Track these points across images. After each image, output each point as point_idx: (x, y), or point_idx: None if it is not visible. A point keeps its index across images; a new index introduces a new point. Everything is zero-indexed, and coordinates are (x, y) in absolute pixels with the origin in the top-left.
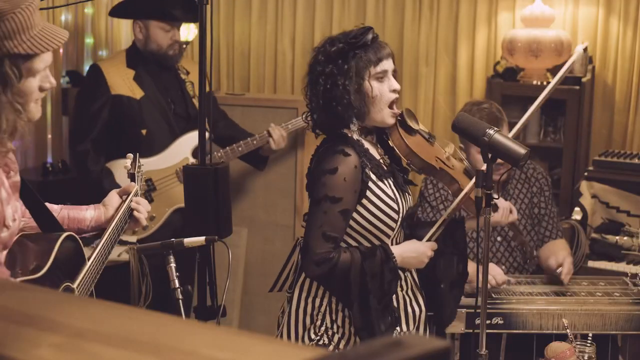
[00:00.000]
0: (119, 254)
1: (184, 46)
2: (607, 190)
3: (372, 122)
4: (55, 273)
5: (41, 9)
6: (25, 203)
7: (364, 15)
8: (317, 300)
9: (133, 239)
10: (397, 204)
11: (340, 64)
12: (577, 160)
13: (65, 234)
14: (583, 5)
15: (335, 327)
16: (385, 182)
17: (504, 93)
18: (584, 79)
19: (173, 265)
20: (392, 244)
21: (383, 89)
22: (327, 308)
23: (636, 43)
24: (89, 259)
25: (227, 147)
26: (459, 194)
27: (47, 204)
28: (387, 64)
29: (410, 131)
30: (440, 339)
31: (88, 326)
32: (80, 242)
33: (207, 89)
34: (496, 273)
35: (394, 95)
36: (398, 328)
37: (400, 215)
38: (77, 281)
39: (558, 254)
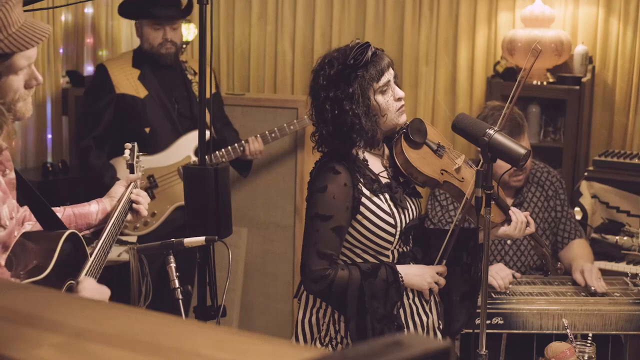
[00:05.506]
0: (119, 254)
1: (184, 46)
2: (607, 190)
3: (386, 131)
4: (58, 273)
5: (41, 9)
6: (25, 201)
7: (364, 15)
8: (321, 312)
9: (133, 238)
10: (394, 218)
11: (343, 87)
12: (577, 160)
13: (68, 232)
14: (583, 5)
15: (339, 337)
16: (381, 197)
17: (504, 93)
18: (584, 79)
19: (173, 265)
20: (392, 258)
21: (389, 101)
22: (331, 319)
23: (636, 43)
24: (91, 254)
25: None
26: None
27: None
28: (389, 75)
29: (415, 144)
30: (442, 339)
31: (88, 326)
32: (82, 238)
33: (214, 89)
34: (505, 274)
35: (400, 103)
36: None
37: (398, 229)
38: (80, 277)
39: (576, 261)
